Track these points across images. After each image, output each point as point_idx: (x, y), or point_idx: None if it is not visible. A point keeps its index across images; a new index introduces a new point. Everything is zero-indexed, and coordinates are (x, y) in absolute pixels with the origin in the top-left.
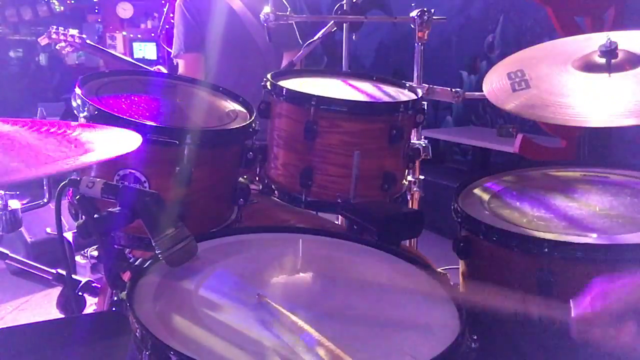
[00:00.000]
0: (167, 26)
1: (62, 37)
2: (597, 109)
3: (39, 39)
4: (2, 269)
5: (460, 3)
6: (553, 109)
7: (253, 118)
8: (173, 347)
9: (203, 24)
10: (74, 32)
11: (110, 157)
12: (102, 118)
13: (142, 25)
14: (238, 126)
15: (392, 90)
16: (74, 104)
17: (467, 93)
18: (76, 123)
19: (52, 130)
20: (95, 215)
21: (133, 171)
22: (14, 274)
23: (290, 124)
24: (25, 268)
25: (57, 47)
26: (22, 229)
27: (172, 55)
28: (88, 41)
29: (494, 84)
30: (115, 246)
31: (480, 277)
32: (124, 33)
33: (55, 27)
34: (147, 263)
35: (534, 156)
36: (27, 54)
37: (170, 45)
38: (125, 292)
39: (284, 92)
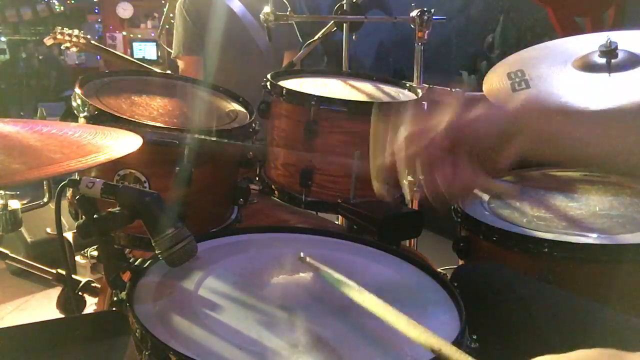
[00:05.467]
0: (167, 26)
1: (67, 38)
2: (597, 109)
3: (44, 40)
4: (2, 269)
5: (460, 3)
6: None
7: (253, 118)
8: (173, 347)
9: (203, 26)
10: (78, 32)
11: (111, 158)
12: (102, 118)
13: (142, 25)
14: (238, 126)
15: (392, 90)
16: (74, 104)
17: (467, 93)
18: (77, 124)
19: (53, 131)
20: (95, 215)
21: (133, 171)
22: (14, 274)
23: (290, 124)
24: (25, 268)
25: (62, 47)
26: (22, 229)
27: (172, 57)
28: (92, 41)
29: (494, 84)
30: (115, 246)
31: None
32: (124, 33)
33: (60, 27)
34: (147, 263)
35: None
36: (27, 54)
37: (169, 45)
38: (125, 292)
39: (284, 92)
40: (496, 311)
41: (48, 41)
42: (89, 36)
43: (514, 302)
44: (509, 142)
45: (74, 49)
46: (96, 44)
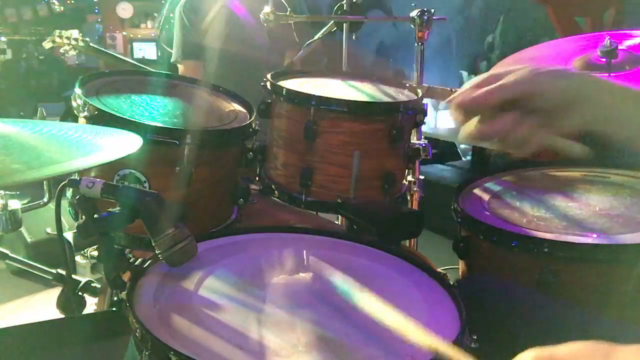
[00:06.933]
0: (166, 26)
1: (65, 41)
2: None
3: (42, 43)
4: (2, 269)
5: (460, 3)
6: None
7: (253, 118)
8: (173, 347)
9: (203, 29)
10: (76, 35)
11: (111, 158)
12: (102, 118)
13: (142, 25)
14: (238, 126)
15: (392, 90)
16: (74, 104)
17: None
18: (77, 124)
19: (53, 131)
20: (95, 215)
21: (133, 171)
22: (14, 274)
23: (290, 124)
24: (25, 268)
25: (60, 50)
26: (22, 229)
27: (171, 61)
28: (91, 44)
29: None
30: (115, 246)
31: (480, 277)
32: (124, 33)
33: (58, 30)
34: (147, 263)
35: (534, 156)
36: (27, 54)
37: (169, 45)
38: (125, 292)
39: (284, 92)
40: (494, 321)
41: (47, 44)
42: (88, 39)
43: (511, 312)
44: (574, 105)
45: (72, 52)
46: (95, 46)
